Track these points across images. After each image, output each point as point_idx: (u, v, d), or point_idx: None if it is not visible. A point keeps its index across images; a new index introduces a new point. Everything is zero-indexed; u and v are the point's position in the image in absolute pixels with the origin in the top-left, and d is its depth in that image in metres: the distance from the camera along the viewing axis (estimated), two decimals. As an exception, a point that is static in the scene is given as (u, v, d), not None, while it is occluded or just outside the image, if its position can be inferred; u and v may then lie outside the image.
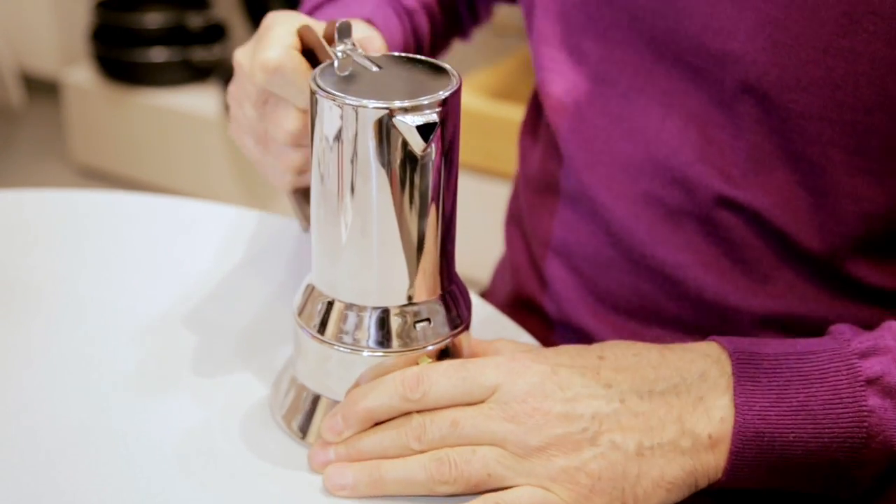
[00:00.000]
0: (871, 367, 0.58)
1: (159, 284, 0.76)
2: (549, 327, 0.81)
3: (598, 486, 0.56)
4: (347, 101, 0.55)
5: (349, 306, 0.60)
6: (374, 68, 0.59)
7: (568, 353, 0.61)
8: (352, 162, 0.56)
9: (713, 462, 0.58)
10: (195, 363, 0.69)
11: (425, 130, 0.55)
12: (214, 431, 0.64)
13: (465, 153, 2.10)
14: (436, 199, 0.58)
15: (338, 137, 0.56)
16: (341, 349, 0.61)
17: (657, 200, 0.71)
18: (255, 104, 0.67)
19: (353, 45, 0.61)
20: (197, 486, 0.60)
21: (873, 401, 0.57)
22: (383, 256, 0.58)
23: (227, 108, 0.74)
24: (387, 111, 0.55)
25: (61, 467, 0.60)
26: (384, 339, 0.60)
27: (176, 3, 2.58)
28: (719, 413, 0.58)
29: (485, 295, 0.91)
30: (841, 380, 0.58)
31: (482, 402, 0.59)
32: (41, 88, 2.97)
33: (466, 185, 2.12)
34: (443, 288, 0.61)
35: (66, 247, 0.81)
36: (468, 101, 2.06)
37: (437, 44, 0.91)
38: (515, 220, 0.87)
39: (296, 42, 0.64)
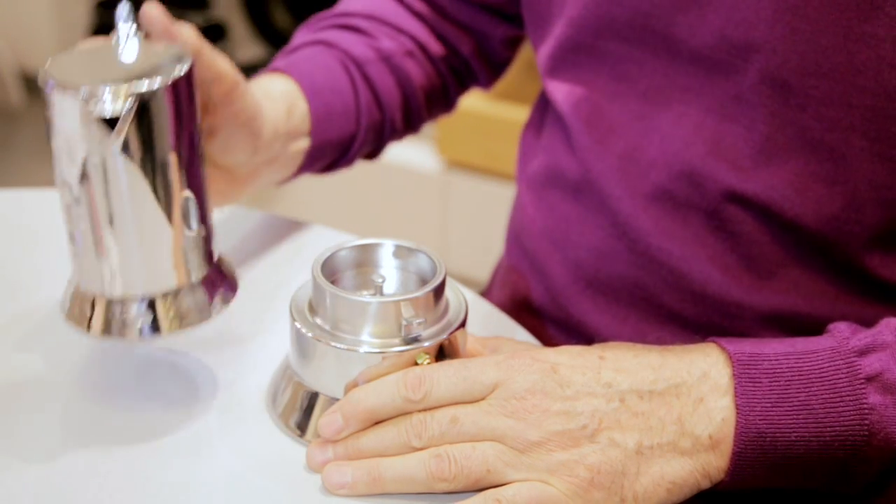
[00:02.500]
0: (871, 364, 0.58)
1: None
2: (549, 327, 0.81)
3: (598, 480, 0.57)
4: (53, 82, 0.55)
5: (112, 301, 0.59)
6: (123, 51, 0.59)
7: (569, 352, 0.61)
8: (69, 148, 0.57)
9: (715, 463, 0.58)
10: (194, 361, 0.69)
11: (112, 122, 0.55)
12: (212, 430, 0.64)
13: (465, 153, 2.10)
14: (151, 187, 0.57)
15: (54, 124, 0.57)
16: (338, 346, 0.61)
17: (666, 194, 0.71)
18: None
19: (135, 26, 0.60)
20: (195, 484, 0.60)
21: (874, 398, 0.57)
22: (115, 244, 0.58)
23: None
24: (78, 95, 0.55)
25: (61, 465, 0.60)
26: (156, 327, 0.59)
27: (176, 3, 2.58)
28: (720, 414, 0.58)
29: (484, 294, 0.91)
30: (841, 378, 0.58)
31: (483, 399, 0.59)
32: (41, 88, 2.97)
33: (467, 185, 2.12)
34: (192, 276, 0.60)
35: (66, 247, 0.81)
36: (468, 101, 2.06)
37: (440, 95, 0.90)
38: (515, 220, 0.87)
39: None
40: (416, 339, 0.61)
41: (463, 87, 0.95)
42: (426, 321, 0.62)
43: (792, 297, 0.70)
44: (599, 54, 0.74)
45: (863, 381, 0.58)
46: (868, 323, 0.63)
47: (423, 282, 0.65)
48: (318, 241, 0.83)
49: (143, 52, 0.59)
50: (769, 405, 0.58)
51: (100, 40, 0.63)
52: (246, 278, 0.79)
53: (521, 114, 2.01)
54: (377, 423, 0.60)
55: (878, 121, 0.64)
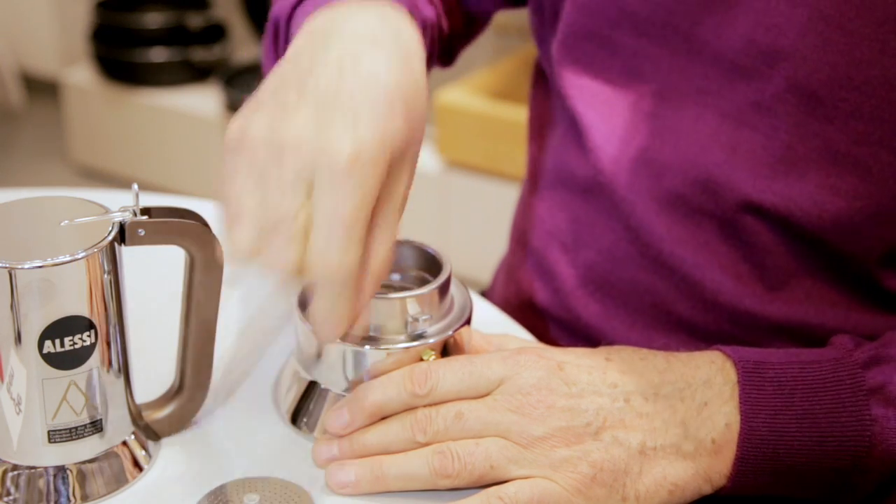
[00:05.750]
0: (874, 376, 0.58)
1: (159, 283, 0.76)
2: (553, 328, 0.81)
3: (600, 477, 0.57)
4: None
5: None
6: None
7: (575, 352, 0.61)
8: None
9: (717, 468, 0.58)
10: (198, 360, 0.69)
11: None
12: (219, 427, 0.64)
13: (465, 153, 2.10)
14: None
15: None
16: (343, 342, 0.61)
17: (680, 199, 0.71)
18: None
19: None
20: (199, 482, 0.60)
21: (876, 410, 0.58)
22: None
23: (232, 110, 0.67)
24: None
25: (64, 463, 0.60)
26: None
27: (176, 3, 2.58)
28: (724, 419, 0.58)
29: (485, 295, 0.91)
30: (844, 389, 0.58)
31: (488, 395, 0.59)
32: (41, 88, 2.97)
33: (467, 185, 2.12)
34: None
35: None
36: (469, 101, 2.06)
37: (441, 55, 0.86)
38: (521, 219, 0.87)
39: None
40: (421, 336, 0.61)
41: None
42: (432, 318, 0.62)
43: (803, 307, 0.69)
44: (612, 46, 0.73)
45: (866, 392, 0.58)
46: (878, 334, 0.63)
47: (428, 278, 0.65)
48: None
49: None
50: (773, 412, 0.58)
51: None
52: (247, 277, 0.79)
53: (521, 114, 2.00)
54: (383, 418, 0.60)
55: None
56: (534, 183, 0.84)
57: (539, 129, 0.86)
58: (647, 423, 0.58)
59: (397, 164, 0.55)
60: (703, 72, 0.69)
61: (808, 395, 0.58)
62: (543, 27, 0.81)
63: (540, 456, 0.57)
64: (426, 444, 0.58)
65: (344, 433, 0.60)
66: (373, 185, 0.53)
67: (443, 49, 0.86)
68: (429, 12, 0.78)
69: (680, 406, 0.59)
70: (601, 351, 0.62)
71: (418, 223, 2.20)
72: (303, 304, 0.64)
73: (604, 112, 0.74)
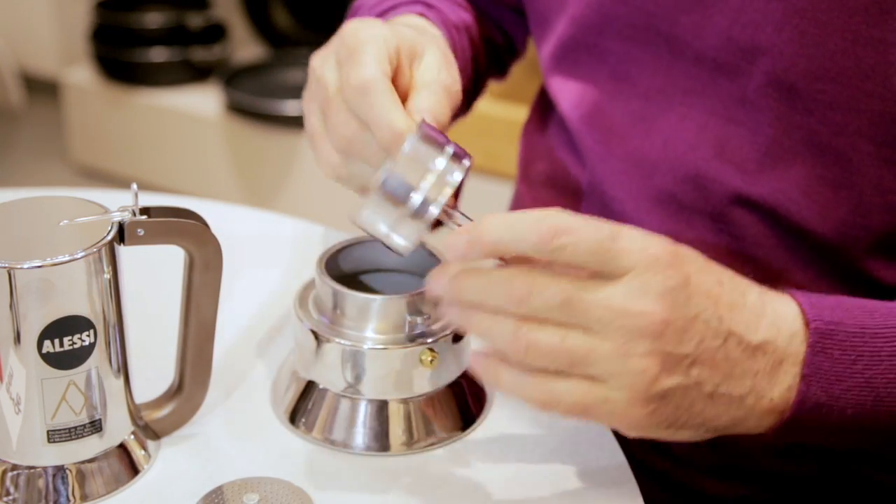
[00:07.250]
0: None
1: (159, 283, 0.76)
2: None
3: (661, 410, 0.55)
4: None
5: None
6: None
7: (696, 263, 0.57)
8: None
9: (766, 422, 0.58)
10: (197, 360, 0.69)
11: None
12: (217, 427, 0.64)
13: (465, 153, 2.10)
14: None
15: None
16: (343, 343, 0.61)
17: (670, 197, 0.71)
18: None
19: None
20: (199, 482, 0.60)
21: None
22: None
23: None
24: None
25: (64, 463, 0.61)
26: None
27: (176, 3, 2.58)
28: (788, 381, 0.58)
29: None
30: None
31: (608, 279, 0.55)
32: (41, 88, 2.96)
33: (466, 185, 2.12)
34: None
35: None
36: (468, 101, 2.06)
37: (481, 79, 0.88)
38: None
39: (388, 69, 0.62)
40: (420, 336, 0.61)
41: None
42: (430, 318, 0.62)
43: None
44: (599, 53, 0.74)
45: None
46: None
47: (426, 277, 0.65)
48: (318, 241, 0.83)
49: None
50: (834, 379, 0.57)
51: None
52: (248, 278, 0.79)
53: (521, 114, 2.00)
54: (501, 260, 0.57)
55: (885, 125, 0.64)
56: (526, 185, 0.84)
57: (532, 131, 0.87)
58: (729, 369, 0.56)
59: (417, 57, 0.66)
60: (687, 71, 0.70)
61: (874, 363, 0.58)
62: (537, 39, 0.82)
63: (621, 366, 0.54)
64: (518, 314, 0.54)
65: (457, 261, 0.56)
66: (383, 51, 0.63)
67: (493, 59, 0.91)
68: (457, 17, 0.81)
69: (762, 359, 0.57)
70: (714, 272, 0.58)
71: (418, 223, 2.19)
72: (302, 304, 0.64)
73: (592, 116, 0.75)
